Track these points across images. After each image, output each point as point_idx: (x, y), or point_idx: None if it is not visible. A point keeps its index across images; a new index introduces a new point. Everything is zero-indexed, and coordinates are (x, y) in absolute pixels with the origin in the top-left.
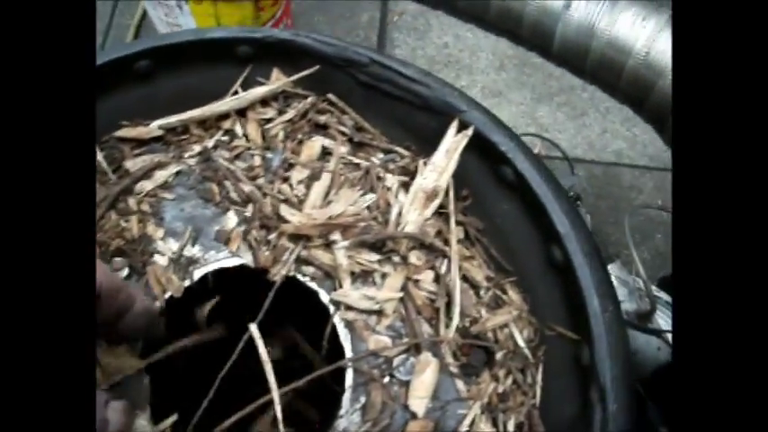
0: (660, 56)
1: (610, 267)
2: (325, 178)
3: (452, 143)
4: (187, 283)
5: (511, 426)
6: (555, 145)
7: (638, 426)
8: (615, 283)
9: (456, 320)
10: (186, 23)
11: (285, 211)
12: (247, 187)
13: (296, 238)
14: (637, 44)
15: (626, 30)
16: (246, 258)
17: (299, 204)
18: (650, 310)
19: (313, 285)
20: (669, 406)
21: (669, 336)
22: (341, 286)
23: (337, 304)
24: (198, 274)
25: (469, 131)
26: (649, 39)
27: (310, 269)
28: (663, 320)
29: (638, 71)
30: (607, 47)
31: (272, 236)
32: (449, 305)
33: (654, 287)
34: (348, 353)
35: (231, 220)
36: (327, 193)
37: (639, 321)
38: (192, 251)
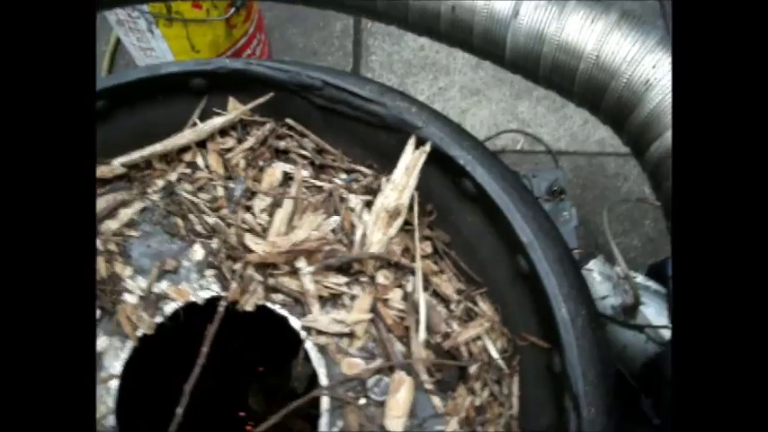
0: (611, 57)
1: (592, 263)
2: (288, 204)
3: (411, 160)
4: (158, 319)
5: None
6: (538, 139)
7: (631, 418)
8: (598, 278)
9: (422, 337)
10: (159, 47)
11: (250, 240)
12: (211, 219)
13: (262, 266)
14: (587, 47)
15: (575, 33)
16: (215, 290)
17: (263, 233)
18: (635, 303)
19: (283, 312)
20: (660, 397)
21: (653, 330)
22: (310, 312)
23: (308, 330)
24: (168, 309)
25: (427, 147)
26: (599, 41)
27: (279, 296)
28: (651, 310)
29: (591, 74)
30: (558, 51)
31: (238, 266)
32: (418, 323)
33: (641, 276)
34: (322, 378)
35: (198, 253)
36: (291, 219)
37: (626, 315)
38: (161, 287)
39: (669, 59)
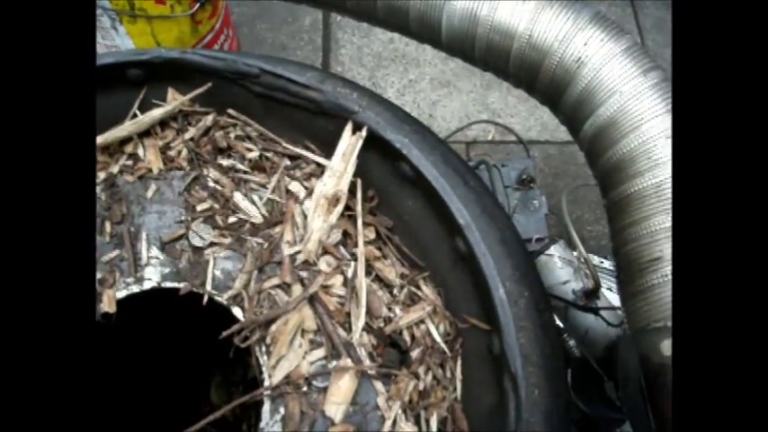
0: (543, 36)
1: (553, 248)
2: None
3: (348, 145)
4: (102, 309)
5: (434, 422)
6: (509, 129)
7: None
8: (559, 264)
9: (362, 322)
10: (124, 44)
11: (199, 229)
12: (154, 208)
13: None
14: (519, 27)
15: (507, 14)
16: (156, 281)
17: (212, 219)
18: (595, 287)
19: (222, 301)
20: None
21: (610, 312)
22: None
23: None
24: (106, 300)
25: (363, 132)
26: (531, 20)
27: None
28: (614, 295)
29: (524, 53)
30: (492, 32)
31: (185, 256)
32: (358, 308)
33: (607, 262)
34: (264, 370)
35: (139, 244)
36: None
37: (587, 299)
38: (104, 279)
39: (600, 36)
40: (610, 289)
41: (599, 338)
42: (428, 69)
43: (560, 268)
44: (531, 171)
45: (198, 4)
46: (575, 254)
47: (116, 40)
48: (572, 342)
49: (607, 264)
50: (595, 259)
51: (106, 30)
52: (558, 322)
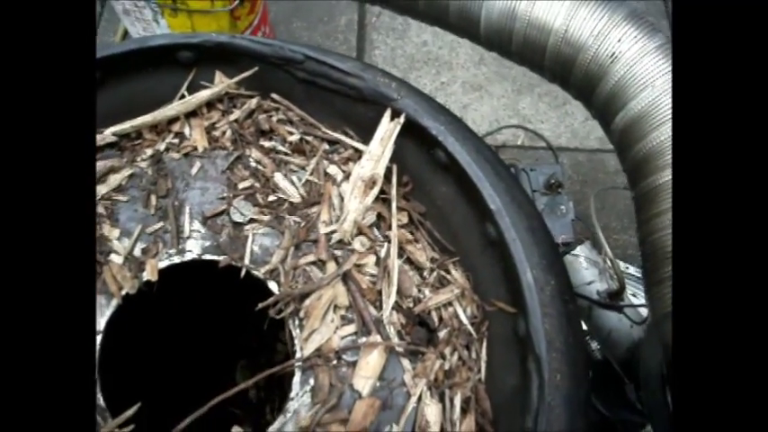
0: (578, 32)
1: (579, 249)
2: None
3: (386, 131)
4: (145, 277)
5: (457, 400)
6: (538, 135)
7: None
8: (584, 264)
9: (392, 300)
10: None
11: (240, 206)
12: (198, 184)
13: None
14: (556, 23)
15: (545, 10)
16: (197, 253)
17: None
18: (620, 288)
19: (259, 275)
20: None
21: (632, 310)
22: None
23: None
24: (150, 270)
25: (401, 118)
26: (567, 17)
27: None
28: (637, 300)
29: (560, 48)
30: (529, 27)
31: (226, 231)
32: (390, 287)
33: (632, 268)
34: (297, 342)
35: (183, 217)
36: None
37: (611, 300)
38: (148, 249)
39: (634, 33)
40: (634, 295)
41: (622, 339)
42: (460, 73)
43: (586, 269)
44: (560, 176)
45: (237, 1)
46: (600, 256)
47: (157, 33)
48: (594, 344)
49: (632, 270)
50: (621, 265)
51: (148, 22)
52: (582, 323)
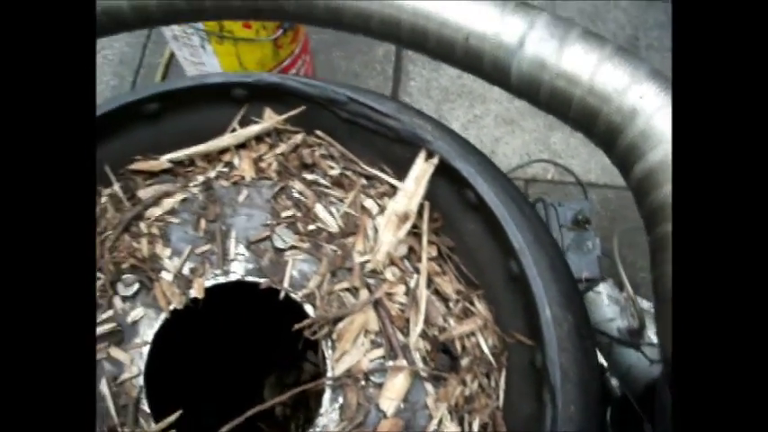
0: (603, 86)
1: (601, 286)
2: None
3: (421, 170)
4: (192, 294)
5: (476, 425)
6: (568, 170)
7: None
8: (606, 301)
9: (419, 327)
10: (209, 62)
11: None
12: (244, 210)
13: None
14: (583, 76)
15: (573, 63)
16: (241, 274)
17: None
18: (640, 327)
19: (297, 298)
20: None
21: (650, 348)
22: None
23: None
24: (197, 288)
25: (435, 160)
26: (593, 71)
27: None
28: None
29: (586, 100)
30: (557, 79)
31: (268, 255)
32: (417, 315)
33: (648, 303)
34: (328, 362)
35: (230, 241)
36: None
37: (631, 338)
38: (196, 269)
39: (655, 90)
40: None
41: (641, 377)
42: (493, 106)
43: (607, 305)
44: (588, 212)
45: (281, 31)
46: (623, 294)
47: (203, 58)
48: (614, 381)
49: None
50: (645, 303)
51: (195, 48)
52: (602, 359)
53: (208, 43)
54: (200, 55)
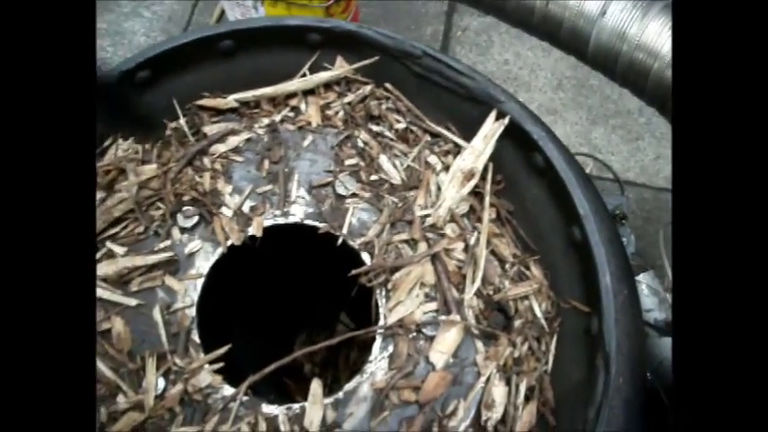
0: None
1: (642, 276)
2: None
3: (490, 130)
4: (250, 232)
5: (523, 387)
6: (607, 166)
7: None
8: (646, 291)
9: (477, 284)
10: None
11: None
12: (308, 155)
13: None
14: (663, 48)
15: (654, 35)
16: (299, 217)
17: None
18: None
19: (354, 245)
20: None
21: None
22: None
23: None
24: (255, 226)
25: (506, 120)
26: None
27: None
28: None
29: (663, 73)
30: (637, 50)
31: (328, 201)
32: (475, 273)
33: None
34: (381, 311)
35: (292, 183)
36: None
37: (668, 330)
38: (256, 207)
39: None
40: None
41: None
42: (537, 95)
43: (646, 296)
44: (625, 209)
45: None
46: (663, 285)
47: None
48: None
49: None
50: None
51: (247, 8)
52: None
53: (260, 4)
54: (251, 15)
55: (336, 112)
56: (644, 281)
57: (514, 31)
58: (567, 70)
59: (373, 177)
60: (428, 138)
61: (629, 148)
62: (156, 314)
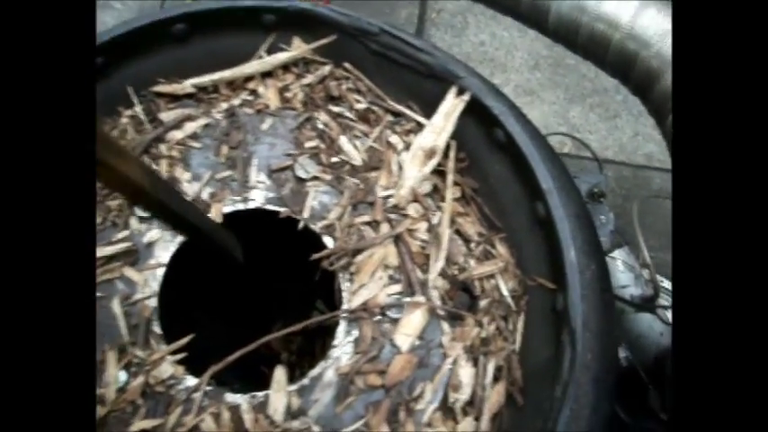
0: (643, 30)
1: (617, 252)
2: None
3: (451, 106)
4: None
5: (491, 367)
6: (585, 145)
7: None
8: (621, 267)
9: (440, 264)
10: None
11: (305, 163)
12: (267, 139)
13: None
14: (623, 19)
15: (613, 6)
16: (260, 202)
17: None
18: (654, 295)
19: (316, 229)
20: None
21: (667, 313)
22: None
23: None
24: (215, 213)
25: (466, 96)
26: (634, 15)
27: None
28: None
29: (624, 44)
30: (597, 21)
31: (289, 185)
32: (439, 253)
33: (666, 281)
34: (345, 295)
35: (252, 168)
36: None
37: (644, 305)
38: (215, 194)
39: None
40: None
41: (650, 346)
42: (514, 76)
43: (621, 272)
44: (604, 187)
45: None
46: (638, 261)
47: None
48: (622, 353)
49: (666, 284)
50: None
51: None
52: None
53: None
54: None
55: (295, 94)
56: (619, 257)
57: (490, 12)
58: (543, 50)
59: (334, 159)
60: (389, 117)
61: (607, 127)
62: (116, 306)
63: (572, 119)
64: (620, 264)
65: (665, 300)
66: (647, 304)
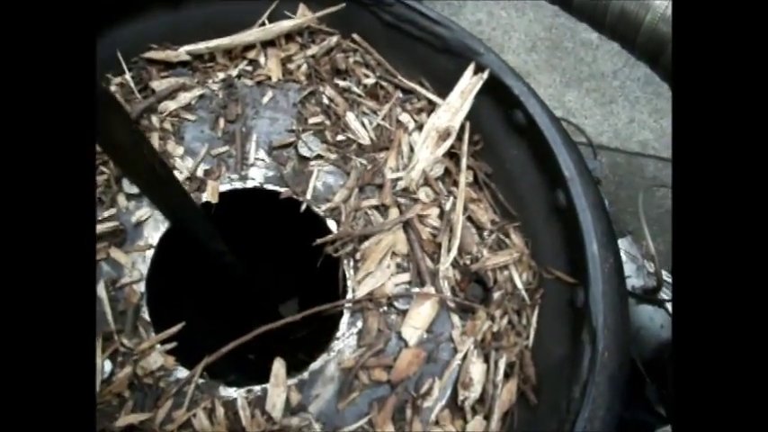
0: None
1: (620, 242)
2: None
3: (468, 85)
4: (204, 198)
5: (502, 363)
6: (580, 130)
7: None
8: (624, 257)
9: (453, 254)
10: None
11: (308, 140)
12: (268, 113)
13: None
14: (656, 0)
15: None
16: (259, 181)
17: (321, 134)
18: (656, 286)
19: (319, 212)
20: (668, 385)
21: (670, 306)
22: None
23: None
24: (210, 191)
25: (485, 74)
26: None
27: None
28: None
29: (656, 25)
30: (627, 1)
31: (291, 164)
32: (451, 241)
33: (664, 271)
34: (349, 283)
35: (249, 144)
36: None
37: (646, 297)
38: (211, 171)
39: None
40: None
41: (650, 339)
42: (510, 57)
43: (624, 263)
44: (599, 173)
45: None
46: (641, 251)
47: None
48: None
49: (665, 275)
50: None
51: None
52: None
53: None
54: None
55: (299, 66)
56: (622, 247)
57: None
58: (541, 32)
59: (340, 137)
60: (400, 94)
61: (603, 112)
62: (101, 290)
63: (567, 103)
64: (623, 254)
65: (668, 291)
66: (651, 296)
